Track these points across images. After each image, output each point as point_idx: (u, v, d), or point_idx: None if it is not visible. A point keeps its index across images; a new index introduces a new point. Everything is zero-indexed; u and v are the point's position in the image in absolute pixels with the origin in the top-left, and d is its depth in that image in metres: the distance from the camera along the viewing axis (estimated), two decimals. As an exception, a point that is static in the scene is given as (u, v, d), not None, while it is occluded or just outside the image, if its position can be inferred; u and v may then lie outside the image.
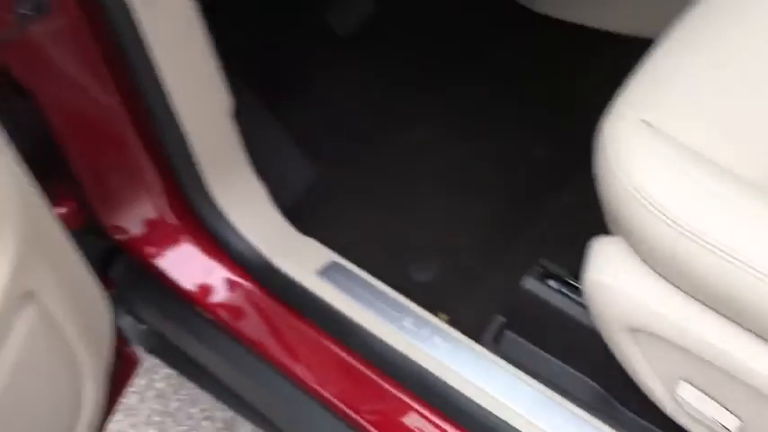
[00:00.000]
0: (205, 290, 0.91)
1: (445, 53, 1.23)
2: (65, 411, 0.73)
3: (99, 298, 0.78)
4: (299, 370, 0.86)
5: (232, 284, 0.91)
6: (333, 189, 1.08)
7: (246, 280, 0.90)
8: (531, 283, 0.83)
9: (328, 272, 0.90)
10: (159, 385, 1.24)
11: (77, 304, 0.70)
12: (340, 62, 1.20)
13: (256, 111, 1.04)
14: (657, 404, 0.72)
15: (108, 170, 0.89)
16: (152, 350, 1.04)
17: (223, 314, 0.90)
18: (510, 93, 1.17)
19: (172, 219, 0.91)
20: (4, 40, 0.71)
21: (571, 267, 0.78)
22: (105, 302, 0.79)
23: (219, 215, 0.89)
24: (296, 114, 1.12)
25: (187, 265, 0.92)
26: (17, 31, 0.69)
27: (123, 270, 0.98)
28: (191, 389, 1.22)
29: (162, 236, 0.92)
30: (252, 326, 0.90)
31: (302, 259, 0.91)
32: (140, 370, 1.11)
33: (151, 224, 0.92)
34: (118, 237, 0.93)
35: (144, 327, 1.00)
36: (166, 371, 1.23)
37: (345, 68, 1.20)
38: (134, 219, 0.92)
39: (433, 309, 0.88)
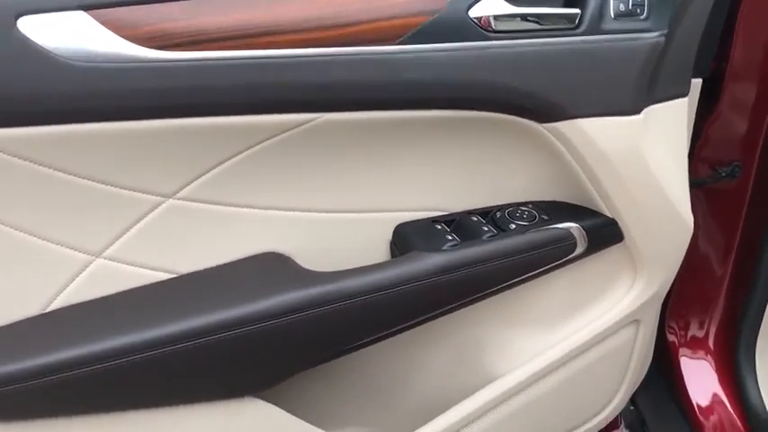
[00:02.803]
0: (702, 409, 1.10)
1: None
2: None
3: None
4: None
5: (729, 418, 1.09)
6: None
7: (741, 422, 1.08)
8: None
9: None
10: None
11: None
12: None
13: None
14: None
15: (698, 258, 1.07)
16: (630, 426, 1.21)
17: None
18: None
19: (713, 338, 1.12)
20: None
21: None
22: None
23: (750, 367, 1.08)
24: None
25: (700, 381, 1.12)
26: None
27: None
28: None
29: (695, 345, 1.13)
30: None
31: None
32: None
33: (692, 329, 1.14)
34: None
35: (632, 407, 1.17)
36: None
37: None
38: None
39: None
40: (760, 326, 1.07)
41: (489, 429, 0.85)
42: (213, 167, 0.70)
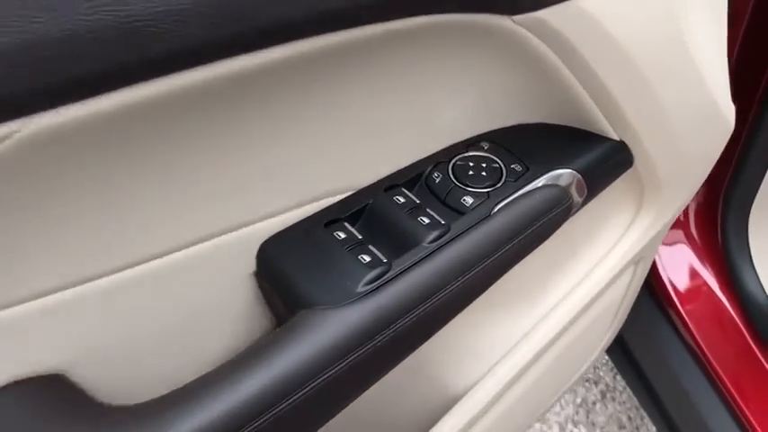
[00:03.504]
0: (687, 303, 0.89)
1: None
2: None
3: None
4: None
5: (718, 306, 0.89)
6: None
7: (735, 310, 0.89)
8: None
9: None
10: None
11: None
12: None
13: None
14: None
15: None
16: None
17: (693, 327, 0.88)
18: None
19: (693, 223, 0.90)
20: None
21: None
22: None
23: (743, 248, 0.87)
24: None
25: (682, 272, 0.90)
26: None
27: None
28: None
29: (671, 230, 0.90)
30: (720, 353, 0.88)
31: None
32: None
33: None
34: None
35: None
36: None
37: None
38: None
39: None
40: (753, 201, 0.82)
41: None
42: None
